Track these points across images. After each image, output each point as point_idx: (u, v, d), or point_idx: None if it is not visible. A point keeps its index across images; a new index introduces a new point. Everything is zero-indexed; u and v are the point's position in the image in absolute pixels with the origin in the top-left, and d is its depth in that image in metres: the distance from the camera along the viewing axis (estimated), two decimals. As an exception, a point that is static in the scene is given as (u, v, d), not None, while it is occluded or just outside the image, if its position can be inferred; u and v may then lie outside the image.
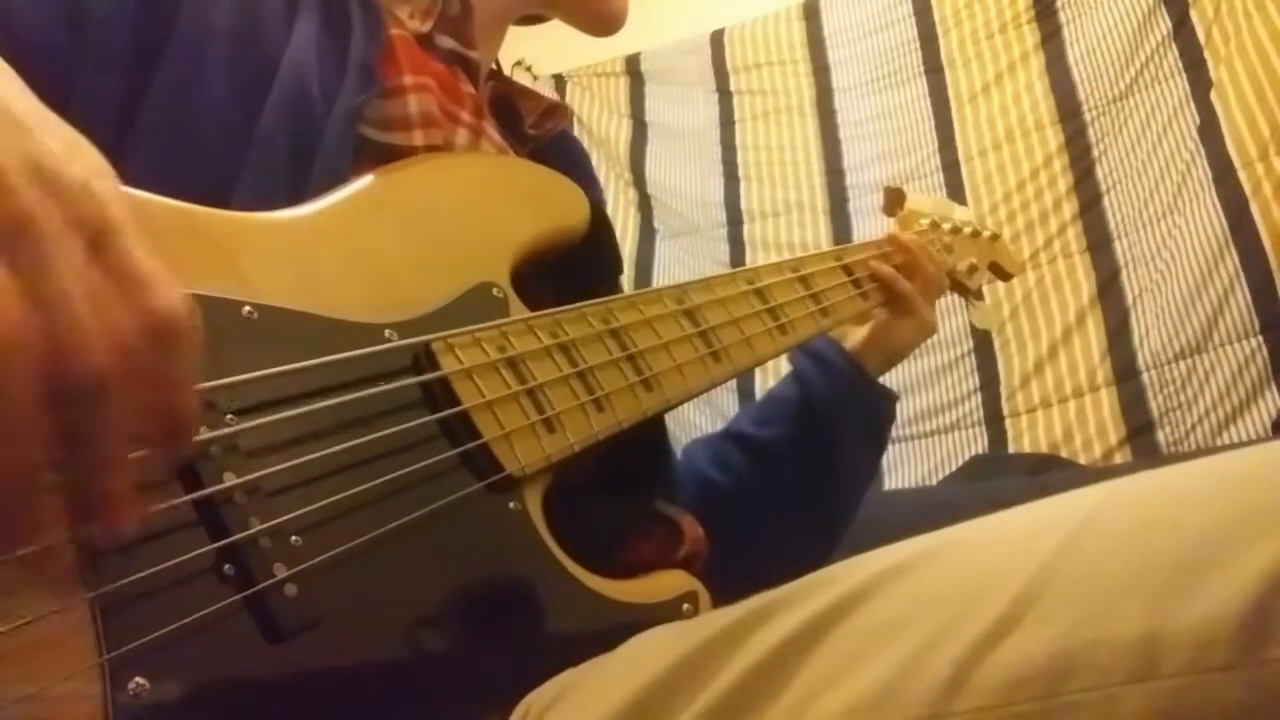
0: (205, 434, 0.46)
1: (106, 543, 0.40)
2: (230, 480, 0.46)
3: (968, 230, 1.16)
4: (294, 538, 0.47)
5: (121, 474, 0.37)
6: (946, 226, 1.14)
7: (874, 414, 0.99)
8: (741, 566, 0.68)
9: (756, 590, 0.48)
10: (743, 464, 0.94)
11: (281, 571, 0.45)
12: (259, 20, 0.68)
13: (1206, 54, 2.39)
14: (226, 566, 0.44)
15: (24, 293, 0.35)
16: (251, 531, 0.45)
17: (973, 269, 1.15)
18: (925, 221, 1.11)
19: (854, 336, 0.99)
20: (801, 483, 0.94)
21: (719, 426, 1.02)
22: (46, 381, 0.35)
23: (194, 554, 0.43)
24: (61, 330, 0.35)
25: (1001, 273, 1.24)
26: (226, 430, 0.47)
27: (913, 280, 0.99)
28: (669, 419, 0.78)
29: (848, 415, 0.95)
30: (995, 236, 1.23)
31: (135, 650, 0.40)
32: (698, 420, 2.34)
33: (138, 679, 0.40)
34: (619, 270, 0.84)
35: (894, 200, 1.14)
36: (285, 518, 0.47)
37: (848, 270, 0.95)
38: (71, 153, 0.39)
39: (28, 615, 0.38)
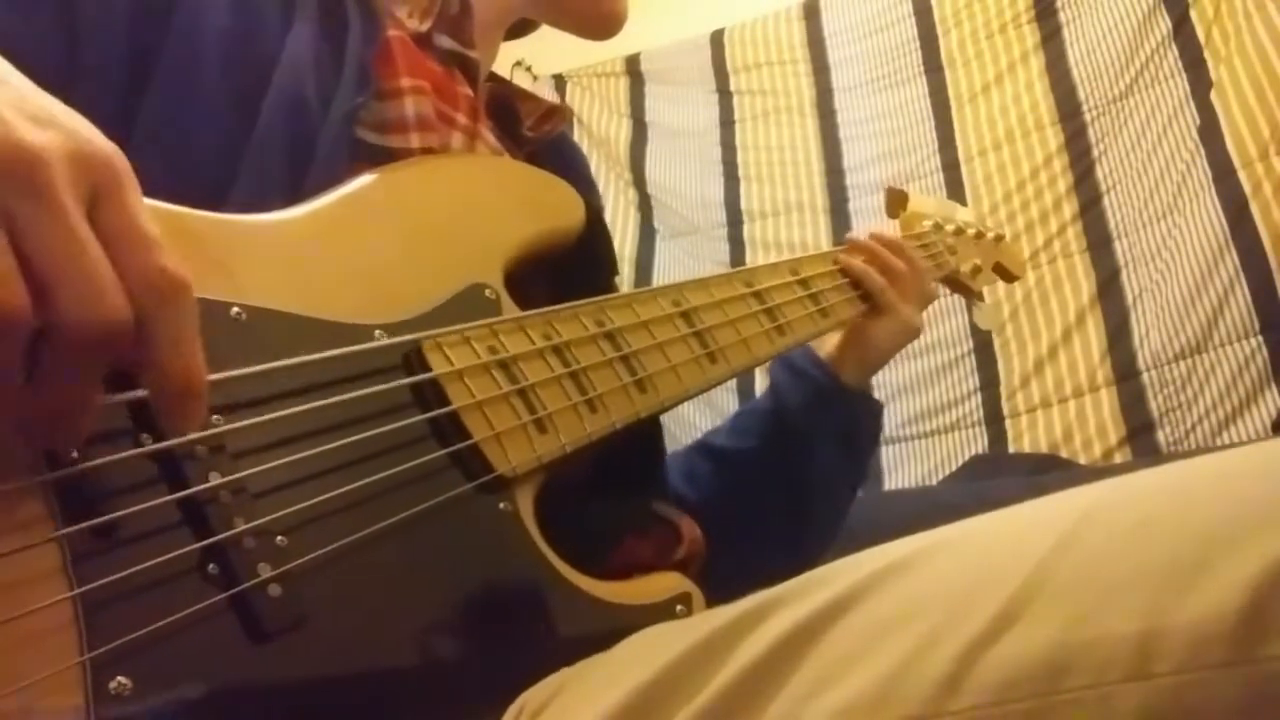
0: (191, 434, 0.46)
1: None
2: (215, 480, 0.45)
3: (971, 232, 1.16)
4: (279, 538, 0.46)
5: (83, 411, 0.39)
6: (950, 228, 1.13)
7: (850, 423, 0.95)
8: (713, 580, 0.68)
9: (751, 591, 0.48)
10: (710, 476, 0.93)
11: (266, 571, 0.45)
12: (255, 22, 0.68)
13: (1206, 54, 2.39)
14: (211, 566, 0.44)
15: (30, 239, 0.36)
16: (236, 531, 0.45)
17: (976, 270, 1.14)
18: (928, 223, 1.11)
19: (830, 344, 0.96)
20: (770, 495, 0.92)
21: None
22: (54, 334, 0.36)
23: (178, 553, 0.43)
24: (59, 284, 0.36)
25: (1006, 274, 1.24)
26: (213, 430, 0.46)
27: (886, 278, 0.96)
28: (667, 418, 0.78)
29: (820, 425, 0.93)
30: (1000, 238, 1.22)
31: (118, 649, 0.40)
32: (697, 420, 2.34)
33: (120, 678, 0.39)
34: (614, 272, 0.83)
35: (897, 202, 1.14)
36: (270, 518, 0.46)
37: (845, 271, 0.95)
38: (68, 110, 0.41)
39: (9, 612, 0.37)
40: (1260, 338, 2.12)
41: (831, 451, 0.94)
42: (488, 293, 0.64)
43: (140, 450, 0.44)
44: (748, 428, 0.95)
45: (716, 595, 0.61)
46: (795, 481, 0.92)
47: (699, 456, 0.95)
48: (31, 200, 0.36)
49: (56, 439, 0.40)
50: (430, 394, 0.56)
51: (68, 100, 0.58)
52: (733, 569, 0.71)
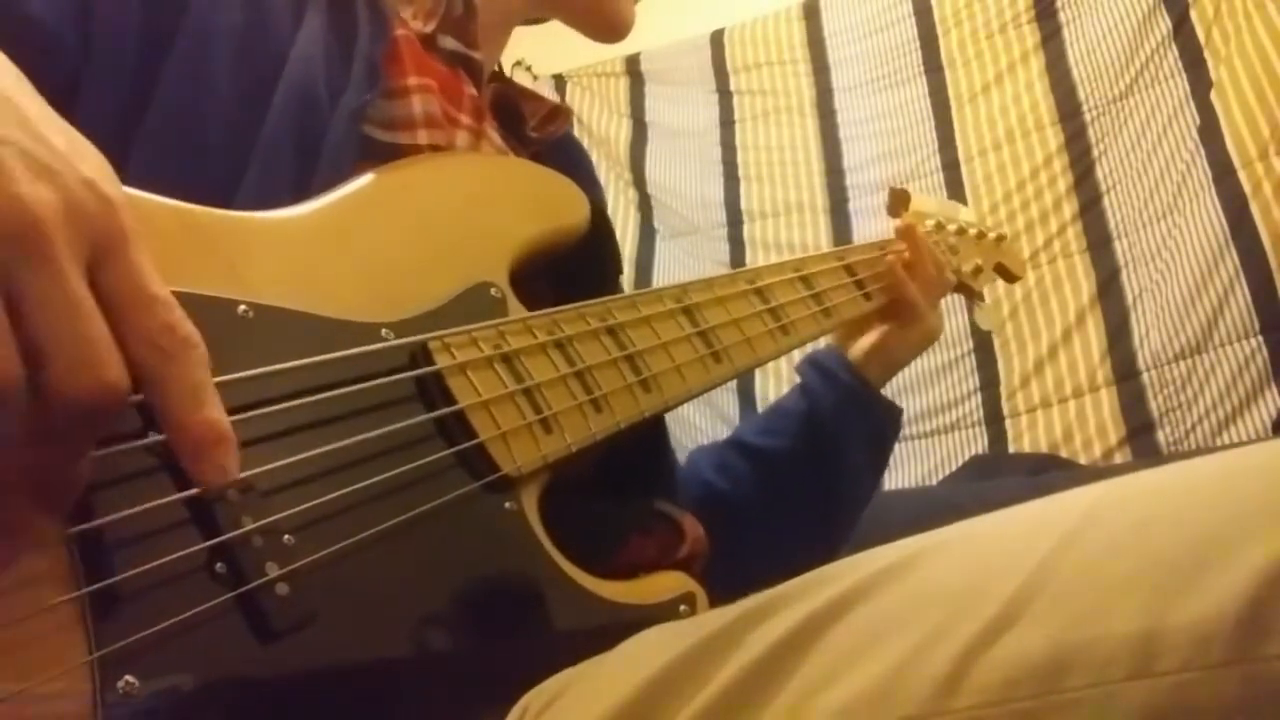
0: None
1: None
2: (223, 478, 0.45)
3: (973, 232, 1.16)
4: (287, 536, 0.47)
5: (75, 475, 0.38)
6: (952, 228, 1.14)
7: (878, 428, 0.99)
8: (740, 573, 0.68)
9: (755, 591, 0.48)
10: (746, 473, 0.95)
11: (274, 570, 0.45)
12: (266, 18, 0.68)
13: (1206, 54, 2.39)
14: (219, 565, 0.44)
15: (26, 303, 0.35)
16: (244, 530, 0.45)
17: (978, 270, 1.15)
18: (930, 223, 1.11)
19: (858, 346, 0.99)
20: (804, 494, 0.94)
21: (719, 427, 1.02)
22: (46, 402, 0.35)
23: (186, 552, 0.43)
24: (55, 355, 0.35)
25: (1007, 274, 1.24)
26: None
27: (915, 281, 0.99)
28: (669, 419, 0.78)
29: (852, 428, 0.95)
30: (1001, 238, 1.22)
31: (125, 648, 0.40)
32: (698, 421, 2.34)
33: (128, 677, 0.39)
34: (619, 271, 0.84)
35: (899, 201, 1.14)
36: (278, 516, 0.47)
37: (850, 270, 0.95)
38: (76, 151, 0.39)
39: (17, 612, 0.38)
40: (1260, 338, 2.12)
41: (861, 453, 0.97)
42: (493, 291, 0.64)
43: (143, 441, 0.44)
44: (781, 427, 0.97)
45: (721, 594, 0.61)
46: (827, 481, 0.94)
47: (733, 453, 0.97)
48: (29, 262, 0.35)
49: (46, 501, 0.39)
50: (436, 393, 0.57)
51: (76, 98, 0.58)
52: (766, 563, 0.72)
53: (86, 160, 0.39)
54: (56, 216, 0.36)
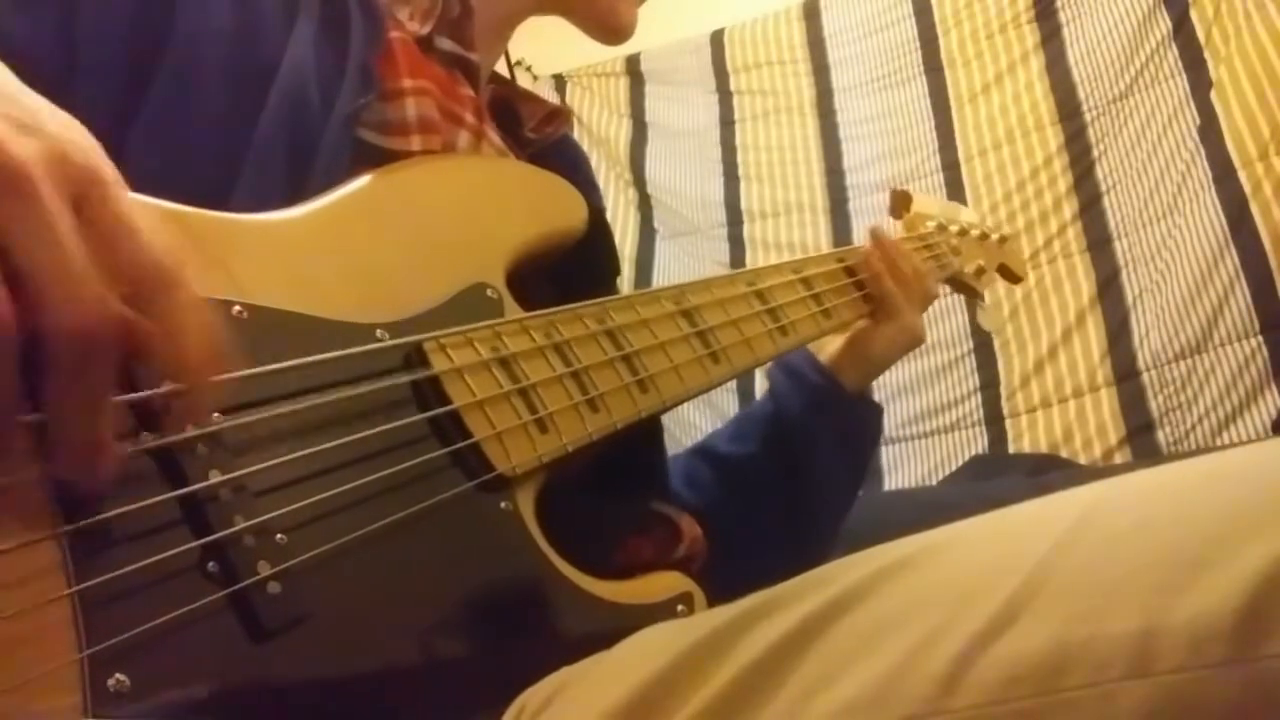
0: (191, 431, 0.46)
1: (82, 489, 0.41)
2: (216, 477, 0.45)
3: (975, 233, 1.16)
4: (279, 536, 0.46)
5: (100, 424, 0.39)
6: (954, 229, 1.13)
7: (850, 428, 0.96)
8: (728, 577, 0.68)
9: (751, 591, 0.48)
10: (712, 482, 0.93)
11: (266, 569, 0.45)
12: (258, 22, 0.68)
13: (1206, 54, 2.39)
14: (211, 564, 0.44)
15: (13, 248, 0.36)
16: (236, 529, 0.45)
17: (980, 271, 1.14)
18: (932, 224, 1.11)
19: (831, 348, 0.97)
20: (773, 498, 0.92)
21: (719, 426, 1.01)
22: (37, 340, 0.36)
23: (178, 550, 0.43)
24: (51, 288, 0.36)
25: (1010, 275, 1.24)
26: (213, 427, 0.46)
27: (892, 277, 0.97)
28: (667, 418, 0.77)
29: (819, 430, 0.93)
30: (1004, 239, 1.22)
31: (116, 646, 0.40)
32: (698, 420, 2.34)
33: (118, 675, 0.39)
34: (616, 273, 0.83)
35: (900, 203, 1.14)
36: (270, 515, 0.46)
37: (850, 271, 0.95)
38: (55, 113, 0.41)
39: (8, 610, 0.37)
40: (1260, 338, 2.12)
41: (832, 456, 0.94)
42: (490, 293, 0.64)
43: (141, 446, 0.44)
44: (748, 433, 0.95)
45: (717, 595, 0.61)
46: (796, 486, 0.92)
47: (700, 461, 0.95)
48: (18, 208, 0.36)
49: (79, 473, 0.40)
50: (431, 393, 0.56)
51: (66, 101, 0.58)
52: (734, 572, 0.71)
53: (66, 121, 0.41)
54: (41, 162, 0.38)
